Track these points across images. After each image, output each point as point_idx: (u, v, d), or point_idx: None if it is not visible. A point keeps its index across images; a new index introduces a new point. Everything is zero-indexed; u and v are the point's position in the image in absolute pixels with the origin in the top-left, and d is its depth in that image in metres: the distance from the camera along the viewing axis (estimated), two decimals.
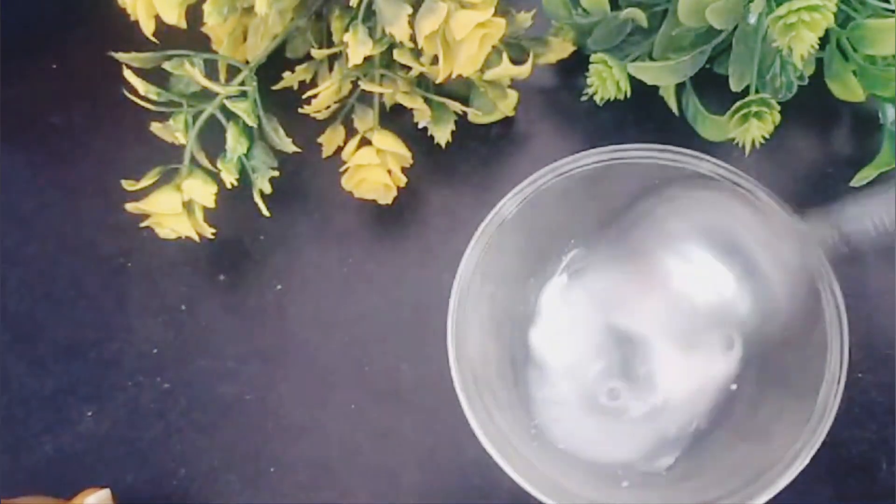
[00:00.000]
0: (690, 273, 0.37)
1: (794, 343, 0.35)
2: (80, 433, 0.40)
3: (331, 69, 0.42)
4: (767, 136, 0.38)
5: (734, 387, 0.37)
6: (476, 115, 0.41)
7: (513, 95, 0.41)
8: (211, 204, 0.39)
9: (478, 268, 0.35)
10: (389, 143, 0.39)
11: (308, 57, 0.41)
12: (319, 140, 0.42)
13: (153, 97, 0.38)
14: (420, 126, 0.42)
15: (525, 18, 0.40)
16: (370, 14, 0.36)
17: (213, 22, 0.37)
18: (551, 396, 0.38)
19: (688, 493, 0.35)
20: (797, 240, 0.34)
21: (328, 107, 0.40)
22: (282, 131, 0.39)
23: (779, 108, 0.37)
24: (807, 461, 0.32)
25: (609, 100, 0.40)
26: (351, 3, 0.36)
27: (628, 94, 0.39)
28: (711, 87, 0.39)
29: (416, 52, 0.38)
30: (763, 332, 0.36)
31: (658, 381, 0.37)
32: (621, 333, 0.38)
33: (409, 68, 0.38)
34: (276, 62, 0.41)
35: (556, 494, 0.33)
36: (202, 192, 0.38)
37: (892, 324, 0.40)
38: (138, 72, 0.38)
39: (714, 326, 0.37)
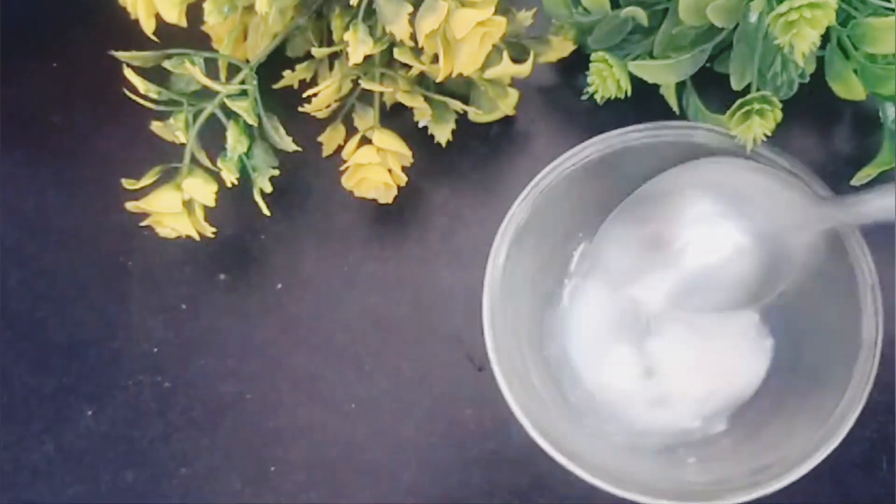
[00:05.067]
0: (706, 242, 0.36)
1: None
2: (80, 432, 0.40)
3: (331, 68, 0.42)
4: (769, 133, 0.38)
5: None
6: (476, 114, 0.41)
7: (513, 94, 0.41)
8: (211, 203, 0.39)
9: (504, 275, 0.35)
10: (390, 142, 0.39)
11: (308, 56, 0.41)
12: (320, 139, 0.42)
13: (153, 96, 0.38)
14: (420, 125, 0.42)
15: (525, 17, 0.40)
16: (370, 13, 0.36)
17: (214, 20, 0.37)
18: (594, 391, 0.38)
19: (754, 453, 0.35)
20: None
21: (328, 106, 0.40)
22: (282, 130, 0.39)
23: (780, 105, 0.37)
24: (868, 390, 0.33)
25: (610, 98, 0.40)
26: (351, 2, 0.36)
27: (629, 93, 0.39)
28: (712, 86, 0.39)
29: (417, 51, 0.37)
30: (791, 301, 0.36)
31: (686, 357, 0.38)
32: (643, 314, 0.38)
33: (410, 67, 0.38)
34: (276, 61, 0.41)
35: (633, 488, 0.33)
36: (202, 190, 0.38)
37: (892, 323, 0.40)
38: (139, 70, 0.37)
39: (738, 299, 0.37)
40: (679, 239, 0.36)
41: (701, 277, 0.35)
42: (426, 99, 0.40)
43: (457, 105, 0.40)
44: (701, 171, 0.36)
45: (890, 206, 0.31)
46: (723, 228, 0.35)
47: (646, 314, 0.38)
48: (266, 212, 0.40)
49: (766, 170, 0.35)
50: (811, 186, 0.35)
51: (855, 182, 0.40)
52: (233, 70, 0.40)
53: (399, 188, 0.40)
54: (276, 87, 0.41)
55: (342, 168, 0.40)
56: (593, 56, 0.40)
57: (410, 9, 0.35)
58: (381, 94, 0.41)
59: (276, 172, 0.41)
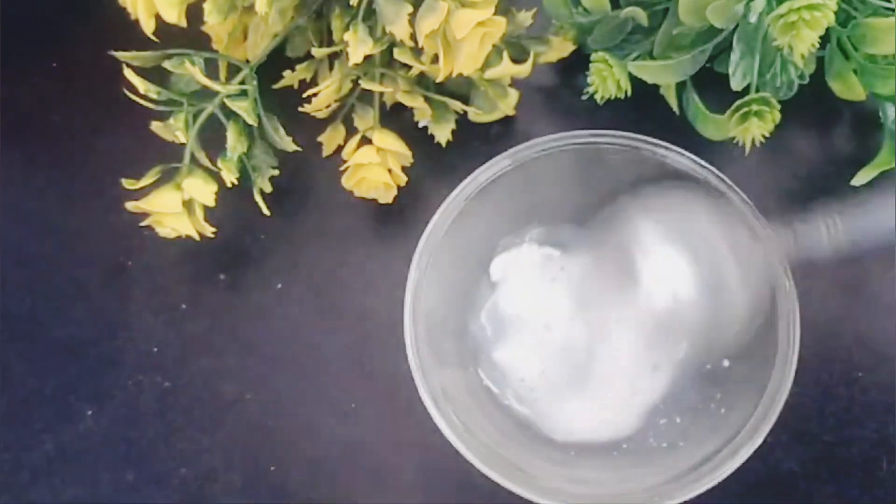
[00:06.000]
0: (651, 270, 0.36)
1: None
2: (80, 432, 0.40)
3: (331, 68, 0.42)
4: (767, 134, 0.38)
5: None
6: (476, 114, 0.41)
7: (513, 94, 0.41)
8: (211, 203, 0.39)
9: (442, 246, 0.36)
10: (390, 142, 0.39)
11: (308, 56, 0.41)
12: (320, 139, 0.42)
13: (153, 96, 0.38)
14: (420, 125, 0.42)
15: (525, 17, 0.40)
16: (370, 13, 0.36)
17: (214, 21, 0.37)
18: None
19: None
20: (761, 246, 0.34)
21: (328, 106, 0.40)
22: (282, 130, 0.39)
23: (779, 106, 0.37)
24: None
25: (609, 98, 0.40)
26: (351, 2, 0.36)
27: (629, 93, 0.39)
28: (712, 86, 0.39)
29: (417, 51, 0.37)
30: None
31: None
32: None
33: (410, 67, 0.38)
34: (276, 61, 0.41)
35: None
36: (202, 190, 0.38)
37: (892, 324, 0.40)
38: (138, 71, 0.37)
39: (664, 332, 0.37)
40: (641, 281, 0.36)
41: (662, 324, 0.36)
42: (426, 99, 0.40)
43: (457, 105, 0.40)
44: (654, 200, 0.36)
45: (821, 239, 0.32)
46: (676, 253, 0.35)
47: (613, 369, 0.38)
48: (266, 212, 0.40)
49: (718, 205, 0.36)
50: (748, 212, 0.35)
51: (855, 182, 0.40)
52: (233, 70, 0.40)
53: (399, 188, 0.40)
54: (276, 87, 0.41)
55: (342, 168, 0.40)
56: (593, 56, 0.40)
57: (410, 9, 0.35)
58: (381, 94, 0.41)
59: (276, 172, 0.41)
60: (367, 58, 0.37)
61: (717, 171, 0.36)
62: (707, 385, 0.37)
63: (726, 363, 0.37)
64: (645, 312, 0.36)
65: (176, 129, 0.38)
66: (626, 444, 0.37)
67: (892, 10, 0.36)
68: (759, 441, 0.33)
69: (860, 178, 0.40)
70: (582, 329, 0.38)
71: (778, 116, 0.37)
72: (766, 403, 0.33)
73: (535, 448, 0.37)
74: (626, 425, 0.37)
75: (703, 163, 0.36)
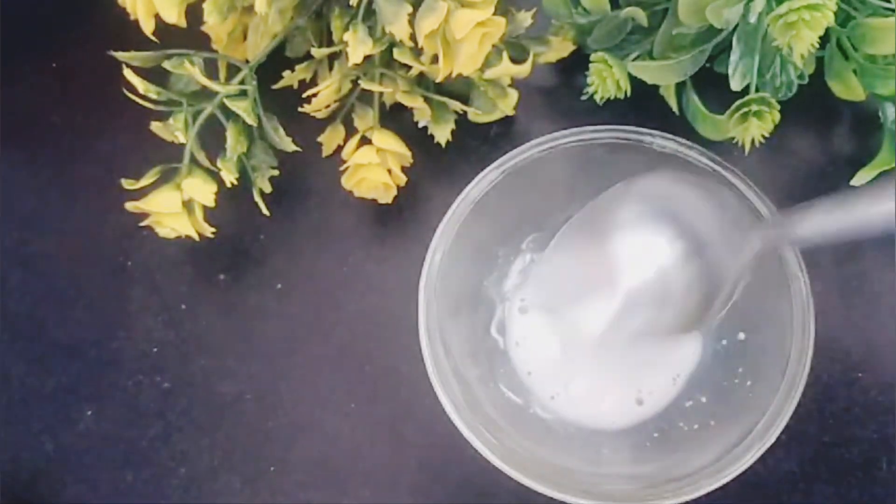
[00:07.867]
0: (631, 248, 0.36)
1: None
2: (80, 432, 0.40)
3: (331, 68, 0.42)
4: (767, 135, 0.38)
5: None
6: (476, 115, 0.41)
7: (513, 94, 0.41)
8: (211, 203, 0.39)
9: (449, 252, 0.36)
10: (389, 143, 0.39)
11: (308, 56, 0.41)
12: (319, 139, 0.42)
13: (153, 96, 0.38)
14: (420, 125, 0.42)
15: (525, 17, 0.40)
16: (370, 13, 0.36)
17: (213, 21, 0.37)
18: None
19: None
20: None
21: (328, 106, 0.40)
22: (282, 130, 0.39)
23: (778, 106, 0.37)
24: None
25: (609, 99, 0.40)
26: (351, 2, 0.36)
27: (628, 93, 0.39)
28: (711, 86, 0.39)
29: (416, 52, 0.37)
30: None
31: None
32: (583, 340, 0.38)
33: (409, 67, 0.38)
34: (275, 61, 0.41)
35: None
36: (202, 191, 0.38)
37: (892, 324, 0.40)
38: (138, 71, 0.37)
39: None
40: (618, 252, 0.35)
41: (641, 293, 0.35)
42: (426, 99, 0.40)
43: (456, 105, 0.40)
44: (641, 186, 0.35)
45: (823, 227, 0.31)
46: (662, 241, 0.34)
47: (586, 339, 0.37)
48: (266, 212, 0.40)
49: (706, 186, 0.35)
50: (759, 204, 0.35)
51: (854, 182, 0.40)
52: (232, 70, 0.40)
53: (399, 188, 0.40)
54: (275, 87, 0.41)
55: (342, 168, 0.40)
56: (593, 56, 0.40)
57: (410, 9, 0.35)
58: (381, 94, 0.41)
59: (276, 172, 0.41)
60: (367, 58, 0.37)
61: (721, 160, 0.36)
62: (726, 361, 0.37)
63: (742, 336, 0.38)
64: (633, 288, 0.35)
65: (176, 129, 0.38)
66: (657, 433, 0.37)
67: (892, 10, 0.36)
68: (793, 407, 0.33)
69: (860, 178, 0.40)
70: (582, 321, 0.38)
71: (777, 116, 0.37)
72: (792, 369, 0.33)
73: (568, 451, 0.37)
74: (652, 403, 0.38)
75: (709, 153, 0.36)
